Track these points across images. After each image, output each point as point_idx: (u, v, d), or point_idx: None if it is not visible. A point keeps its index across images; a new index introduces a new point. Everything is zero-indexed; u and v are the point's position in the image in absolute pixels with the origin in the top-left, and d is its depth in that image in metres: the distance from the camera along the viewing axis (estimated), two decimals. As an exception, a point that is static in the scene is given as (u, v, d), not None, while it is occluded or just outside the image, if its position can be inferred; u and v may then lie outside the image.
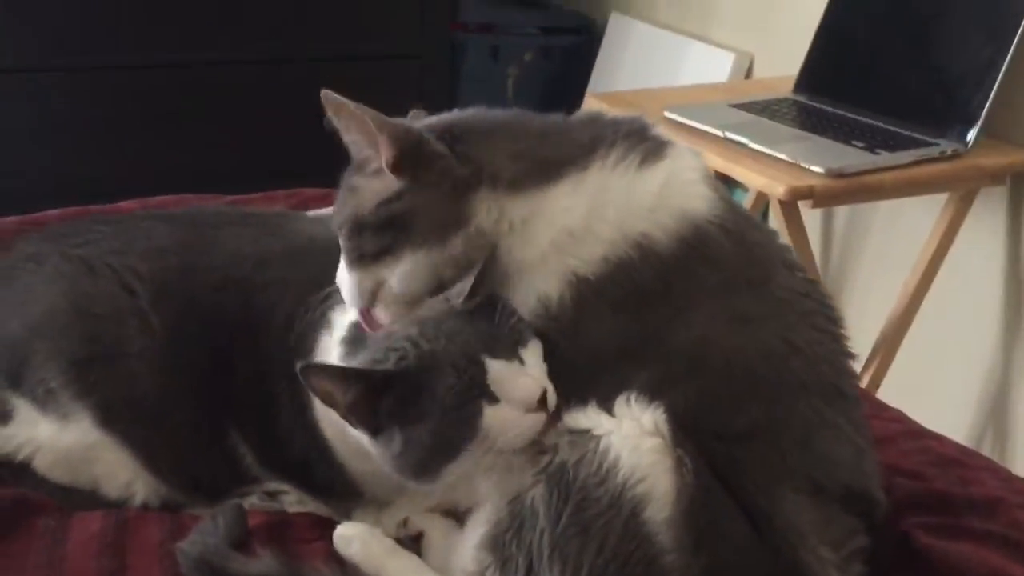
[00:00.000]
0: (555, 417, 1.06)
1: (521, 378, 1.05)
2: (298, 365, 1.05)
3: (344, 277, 1.16)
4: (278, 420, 1.23)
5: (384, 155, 1.12)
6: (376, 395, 1.06)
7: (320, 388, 1.06)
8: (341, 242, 1.16)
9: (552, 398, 1.05)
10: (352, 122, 1.13)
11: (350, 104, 1.11)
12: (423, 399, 1.05)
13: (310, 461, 1.23)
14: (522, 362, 1.06)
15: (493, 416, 1.04)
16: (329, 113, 1.13)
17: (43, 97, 2.74)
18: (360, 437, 1.09)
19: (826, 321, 1.16)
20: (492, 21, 3.34)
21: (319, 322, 1.21)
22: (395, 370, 1.05)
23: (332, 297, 1.21)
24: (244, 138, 2.88)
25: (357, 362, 1.11)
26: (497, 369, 1.04)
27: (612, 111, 1.25)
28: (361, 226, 1.14)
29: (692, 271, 1.11)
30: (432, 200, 1.12)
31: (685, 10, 3.01)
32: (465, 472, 1.08)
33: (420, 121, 1.19)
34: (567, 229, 1.11)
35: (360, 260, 1.14)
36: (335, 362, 1.14)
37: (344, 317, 1.19)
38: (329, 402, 1.07)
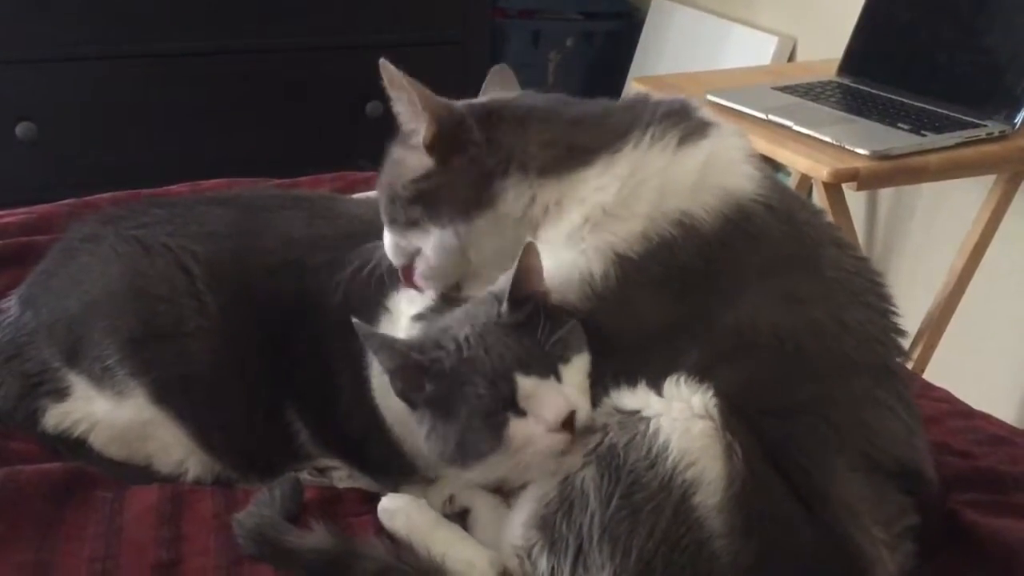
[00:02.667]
0: (580, 440, 1.05)
1: (550, 396, 1.05)
2: (355, 322, 1.08)
3: (385, 234, 1.21)
4: (337, 399, 1.24)
5: (423, 133, 1.15)
6: (415, 376, 1.08)
7: (374, 348, 1.10)
8: (381, 204, 1.21)
9: (582, 419, 1.05)
10: (403, 94, 1.16)
11: (403, 77, 1.14)
12: (455, 401, 1.06)
13: (367, 439, 1.24)
14: (559, 379, 1.06)
15: (517, 429, 1.04)
16: (384, 81, 1.15)
17: (95, 84, 2.77)
18: (403, 406, 1.12)
19: (877, 299, 1.16)
20: (533, 7, 3.34)
21: (376, 309, 1.22)
22: (429, 364, 1.07)
23: (387, 280, 1.23)
24: (292, 123, 2.90)
25: (411, 332, 1.13)
26: (527, 386, 1.05)
27: (656, 95, 1.24)
28: (394, 197, 1.19)
29: (737, 250, 1.11)
30: (459, 183, 1.15)
31: (728, -6, 3.00)
32: (491, 474, 1.11)
33: (490, 94, 1.23)
34: (600, 206, 1.12)
35: (393, 225, 1.20)
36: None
37: (400, 303, 1.21)
38: (381, 363, 1.10)
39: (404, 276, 1.20)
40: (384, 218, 1.21)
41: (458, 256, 1.17)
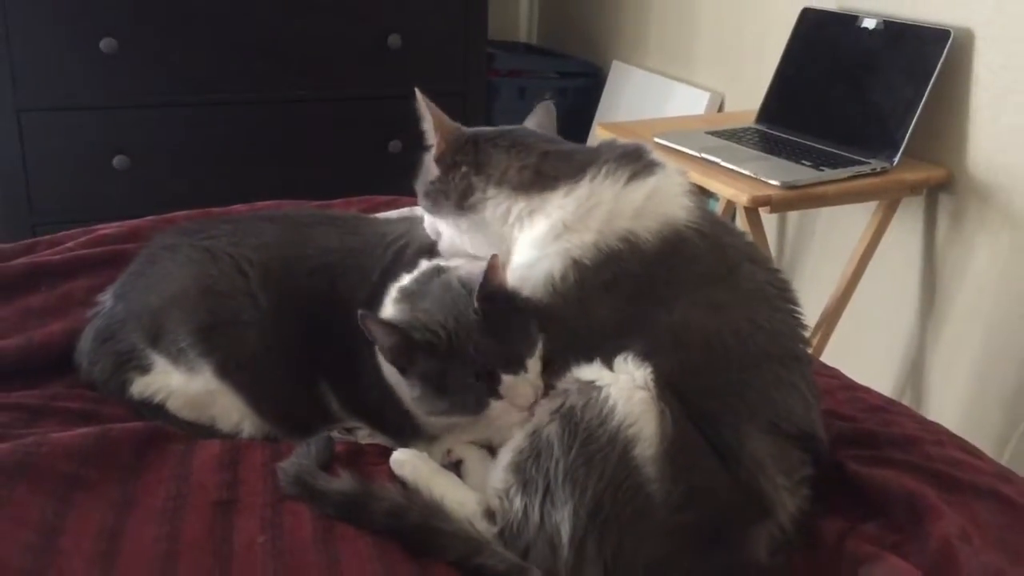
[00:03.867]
0: (534, 406, 1.10)
1: (524, 388, 1.09)
2: (359, 312, 1.09)
3: (424, 216, 1.29)
4: (360, 376, 1.24)
5: (436, 149, 1.23)
6: (407, 350, 1.10)
7: (370, 330, 1.11)
8: (421, 200, 1.28)
9: (539, 397, 1.10)
10: (431, 116, 1.23)
11: (432, 105, 1.23)
12: (446, 380, 1.10)
13: (383, 408, 1.24)
14: (527, 371, 1.10)
15: (496, 408, 1.10)
16: (418, 104, 1.23)
17: (176, 126, 2.77)
18: (393, 371, 1.14)
19: (784, 301, 1.17)
20: (520, 68, 3.35)
21: (386, 296, 1.22)
22: (423, 345, 1.09)
23: (394, 275, 1.23)
24: (329, 157, 2.89)
25: (398, 313, 1.14)
26: (507, 381, 1.09)
27: (619, 139, 1.28)
28: (420, 190, 1.27)
29: (673, 266, 1.11)
30: (452, 190, 1.22)
31: (671, 58, 3.00)
32: (466, 429, 1.17)
33: (526, 122, 1.31)
34: (561, 220, 1.14)
35: (424, 211, 1.28)
36: (388, 307, 1.18)
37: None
38: (374, 340, 1.12)
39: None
40: (420, 199, 1.28)
41: (456, 242, 1.24)
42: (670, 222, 1.12)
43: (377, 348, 1.14)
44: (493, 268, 1.10)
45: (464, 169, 1.21)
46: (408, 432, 1.24)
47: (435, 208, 1.24)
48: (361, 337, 1.15)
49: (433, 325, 1.10)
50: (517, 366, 1.09)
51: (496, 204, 1.19)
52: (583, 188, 1.15)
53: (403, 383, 1.14)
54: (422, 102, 1.23)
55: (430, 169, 1.25)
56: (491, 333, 1.09)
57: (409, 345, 1.10)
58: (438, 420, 1.17)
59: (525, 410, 1.10)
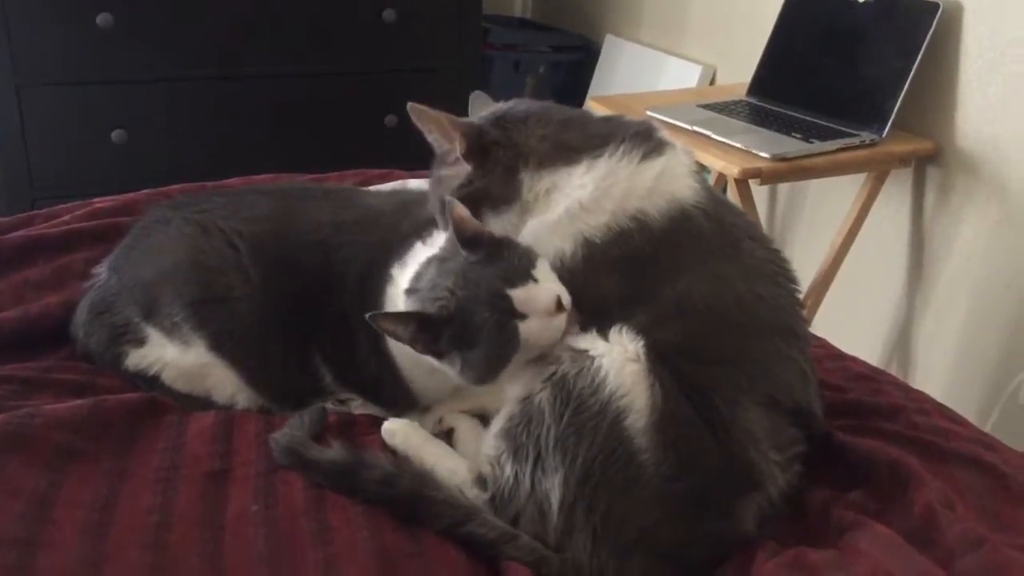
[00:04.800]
0: (575, 313, 1.06)
1: (538, 293, 1.05)
2: (368, 316, 1.06)
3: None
4: (355, 350, 1.22)
5: (458, 147, 1.14)
6: (430, 330, 1.07)
7: (386, 328, 1.08)
8: (439, 219, 1.18)
9: (566, 299, 1.05)
10: (432, 124, 1.15)
11: (430, 111, 1.13)
12: (470, 332, 1.05)
13: (379, 380, 1.22)
14: (536, 280, 1.05)
15: (527, 329, 1.05)
16: (414, 118, 1.14)
17: (172, 100, 2.74)
18: (430, 360, 1.10)
19: (784, 279, 1.16)
20: (514, 42, 3.31)
21: (385, 277, 1.20)
22: (438, 314, 1.06)
23: (393, 255, 1.20)
24: (325, 131, 2.86)
25: (411, 305, 1.11)
26: (518, 295, 1.04)
27: (609, 112, 1.23)
28: (444, 206, 1.14)
29: (678, 243, 1.10)
30: (495, 178, 1.14)
31: (663, 32, 2.96)
32: (516, 370, 1.09)
33: (477, 114, 1.20)
34: (579, 201, 1.11)
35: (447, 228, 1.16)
36: (400, 306, 1.13)
37: (403, 273, 1.18)
38: (396, 338, 1.09)
39: None
40: (442, 227, 1.17)
41: (506, 231, 1.15)
42: (677, 201, 1.11)
43: (404, 344, 1.10)
44: (459, 216, 1.07)
45: (495, 151, 1.14)
46: (403, 402, 1.23)
47: (479, 210, 1.13)
48: (357, 314, 1.13)
49: (438, 291, 1.08)
50: (521, 279, 1.05)
51: (528, 184, 1.13)
52: (602, 166, 1.12)
53: (438, 366, 1.10)
54: (420, 111, 1.13)
55: (451, 177, 1.16)
56: (486, 266, 1.06)
57: (428, 324, 1.07)
58: (494, 381, 1.10)
59: (555, 314, 1.04)
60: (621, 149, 1.12)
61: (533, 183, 1.13)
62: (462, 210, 1.09)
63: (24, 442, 1.05)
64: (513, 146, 1.14)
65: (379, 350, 1.20)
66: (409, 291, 1.13)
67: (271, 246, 1.28)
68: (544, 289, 1.05)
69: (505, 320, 1.04)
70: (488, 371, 1.07)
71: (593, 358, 1.03)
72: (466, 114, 1.24)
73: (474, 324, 1.05)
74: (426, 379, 1.19)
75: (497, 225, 1.14)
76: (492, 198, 1.14)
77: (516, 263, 1.06)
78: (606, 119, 1.20)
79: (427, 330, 1.07)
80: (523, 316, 1.04)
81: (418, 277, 1.13)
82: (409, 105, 1.13)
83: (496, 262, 1.06)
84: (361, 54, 2.85)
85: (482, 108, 1.25)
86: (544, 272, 1.07)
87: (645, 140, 1.15)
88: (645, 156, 1.13)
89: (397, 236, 1.23)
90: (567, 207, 1.11)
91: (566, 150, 1.13)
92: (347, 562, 0.95)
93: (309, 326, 1.26)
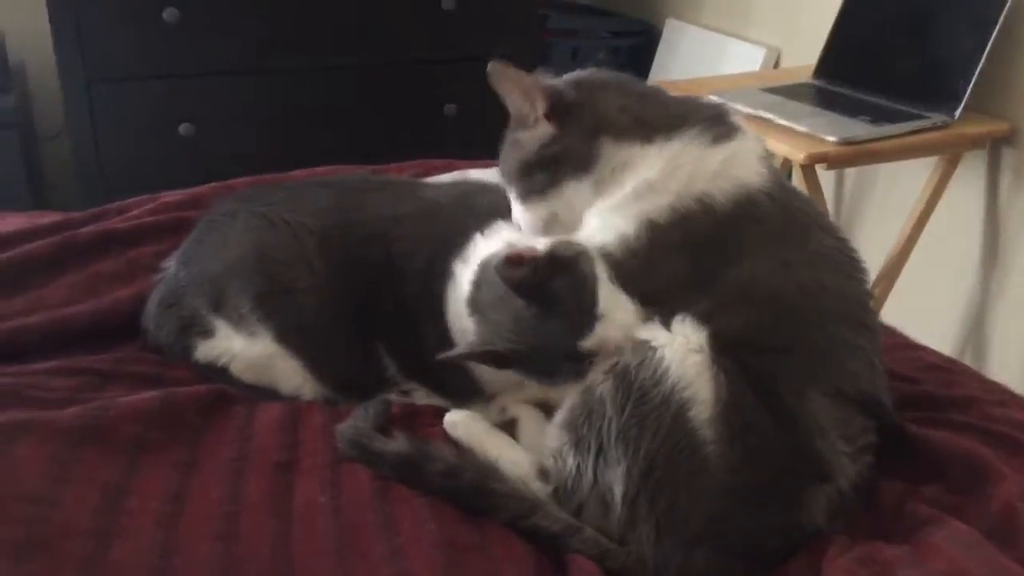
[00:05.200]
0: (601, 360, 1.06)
1: (608, 335, 1.05)
2: (439, 357, 1.10)
3: (520, 213, 1.17)
4: (422, 341, 1.22)
5: (540, 108, 1.12)
6: (502, 360, 1.10)
7: (463, 362, 1.13)
8: (513, 186, 1.16)
9: (631, 324, 1.05)
10: (512, 84, 1.13)
11: (511, 70, 1.11)
12: (547, 370, 1.09)
13: (445, 370, 1.22)
14: (601, 316, 1.05)
15: (599, 360, 1.05)
16: (492, 79, 1.12)
17: (238, 94, 2.78)
18: None
19: (852, 269, 1.14)
20: (573, 27, 3.28)
21: (446, 274, 1.20)
22: (508, 354, 1.08)
23: (455, 251, 1.21)
24: (386, 122, 2.87)
25: (477, 325, 1.13)
26: (589, 345, 1.05)
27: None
28: (529, 167, 1.14)
29: (743, 227, 1.08)
30: (576, 140, 1.12)
31: (725, 14, 2.91)
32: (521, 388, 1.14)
33: (558, 79, 1.18)
34: (648, 181, 1.09)
35: (530, 196, 1.15)
36: (463, 312, 1.16)
37: (465, 270, 1.18)
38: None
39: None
40: (519, 198, 1.16)
41: (586, 205, 1.13)
42: (744, 186, 1.09)
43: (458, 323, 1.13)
44: (507, 264, 1.05)
45: (577, 112, 1.11)
46: (468, 392, 1.23)
47: (561, 173, 1.12)
48: (423, 305, 1.14)
49: (505, 335, 1.08)
50: (587, 325, 1.04)
51: (606, 156, 1.11)
52: (675, 146, 1.10)
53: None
54: (501, 71, 1.10)
55: (535, 137, 1.13)
56: (549, 315, 1.05)
57: (499, 357, 1.09)
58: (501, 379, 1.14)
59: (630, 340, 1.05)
60: (695, 131, 1.11)
61: (611, 154, 1.12)
62: (502, 253, 1.08)
63: (98, 434, 1.07)
64: (594, 109, 1.13)
65: (446, 341, 1.20)
66: (472, 304, 1.14)
67: (334, 239, 1.29)
68: (612, 328, 1.04)
69: (578, 365, 1.05)
70: (562, 389, 1.09)
71: (655, 349, 1.02)
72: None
73: (547, 366, 1.07)
74: (492, 370, 1.19)
75: (575, 197, 1.12)
76: (573, 160, 1.12)
77: (577, 305, 1.04)
78: (682, 100, 1.18)
79: (497, 360, 1.09)
80: (595, 353, 1.05)
81: (477, 286, 1.13)
82: (490, 64, 1.11)
83: (556, 310, 1.05)
84: (420, 43, 2.85)
85: None
86: (607, 294, 1.06)
87: (717, 124, 1.13)
88: (715, 140, 1.11)
89: (457, 229, 1.23)
90: (635, 187, 1.10)
91: (643, 126, 1.12)
92: (413, 554, 0.95)
93: (372, 318, 1.26)
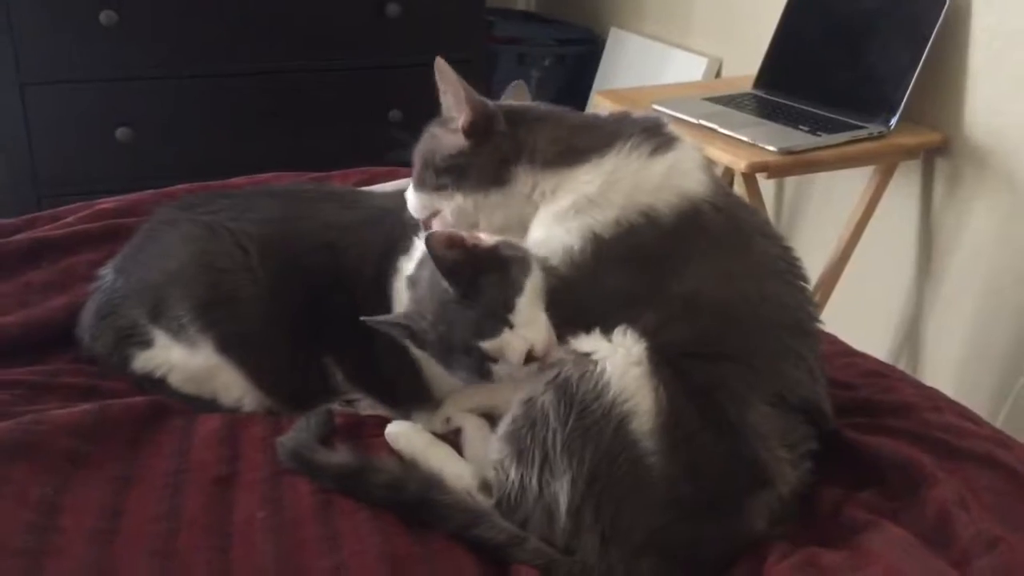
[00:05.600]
0: (549, 357, 1.05)
1: (510, 345, 1.04)
2: (362, 319, 1.10)
3: (410, 194, 1.20)
4: (371, 348, 1.21)
5: (462, 120, 1.14)
6: (418, 339, 1.09)
7: (382, 329, 1.11)
8: (415, 169, 1.19)
9: (540, 347, 1.05)
10: (450, 87, 1.15)
11: (454, 75, 1.14)
12: (449, 361, 1.08)
13: (398, 376, 1.22)
14: (511, 326, 1.04)
15: (500, 369, 1.06)
16: (436, 74, 1.14)
17: (177, 98, 2.73)
18: None
19: (793, 277, 1.15)
20: (519, 35, 3.28)
21: (393, 271, 1.20)
22: (420, 334, 1.08)
23: (399, 249, 1.21)
24: (329, 128, 2.84)
25: (409, 300, 1.13)
26: (490, 346, 1.04)
27: (614, 106, 1.23)
28: (429, 164, 1.17)
29: (688, 238, 1.09)
30: (484, 164, 1.14)
31: (668, 24, 2.94)
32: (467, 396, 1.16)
33: (499, 101, 1.20)
34: (585, 195, 1.10)
35: (423, 187, 1.18)
36: (404, 298, 1.16)
37: (409, 263, 1.18)
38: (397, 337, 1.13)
39: (424, 226, 1.19)
40: (414, 181, 1.19)
41: (470, 219, 1.16)
42: (687, 196, 1.10)
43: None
44: (435, 243, 1.04)
45: (497, 140, 1.14)
46: (418, 398, 1.23)
47: (455, 183, 1.15)
48: (373, 311, 1.13)
49: (424, 314, 1.08)
50: (494, 328, 1.04)
51: (526, 179, 1.14)
52: (609, 162, 1.12)
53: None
54: (445, 70, 1.14)
55: (445, 141, 1.17)
56: (466, 305, 1.05)
57: (414, 334, 1.09)
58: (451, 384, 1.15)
59: (530, 358, 1.04)
60: (629, 144, 1.12)
61: (536, 181, 1.13)
62: (445, 231, 1.07)
63: (30, 449, 1.04)
64: (516, 143, 1.14)
65: (397, 347, 1.19)
66: (408, 285, 1.14)
67: (280, 248, 1.27)
68: (517, 340, 1.04)
69: (479, 361, 1.06)
70: (471, 384, 1.12)
71: (596, 362, 1.02)
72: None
73: (452, 356, 1.07)
74: (442, 372, 1.17)
75: (466, 206, 1.15)
76: (474, 179, 1.15)
77: (494, 305, 1.04)
78: (616, 118, 1.19)
79: (412, 337, 1.10)
80: (495, 360, 1.05)
81: (421, 264, 1.13)
82: (437, 60, 1.14)
83: (475, 303, 1.05)
84: (365, 49, 2.83)
85: (515, 98, 1.26)
86: (524, 312, 1.05)
87: (654, 135, 1.14)
88: (654, 151, 1.12)
89: (405, 235, 1.23)
90: (574, 201, 1.10)
91: (574, 152, 1.13)
92: (356, 568, 0.94)
93: (319, 327, 1.25)
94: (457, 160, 1.15)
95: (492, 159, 1.14)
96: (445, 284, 1.05)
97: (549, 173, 1.13)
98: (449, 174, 1.15)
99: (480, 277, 1.05)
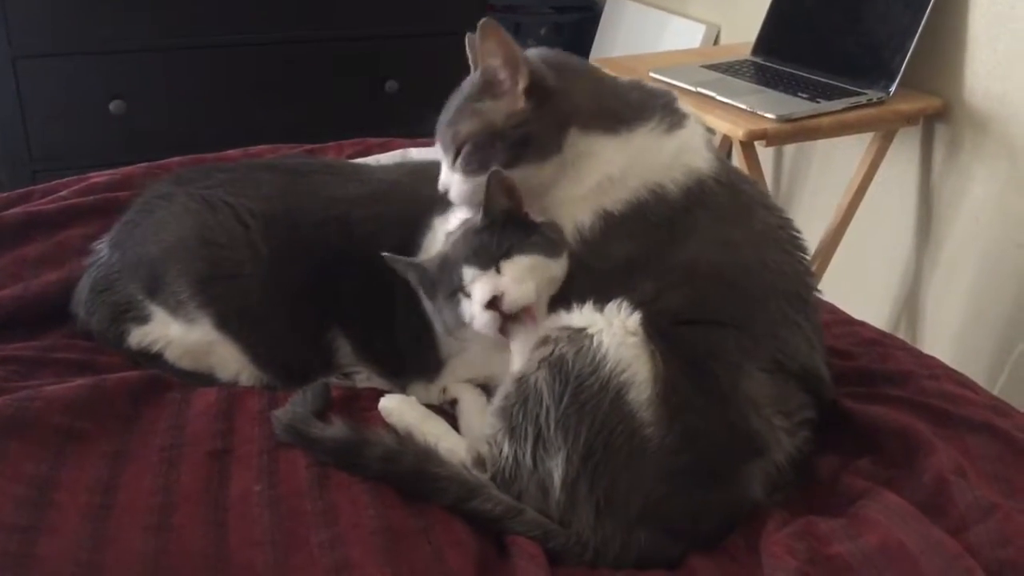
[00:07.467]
0: (514, 319, 1.05)
1: (482, 282, 1.05)
2: (383, 254, 1.14)
3: (457, 181, 1.12)
4: (381, 320, 1.21)
5: (521, 83, 1.09)
6: (427, 281, 1.13)
7: (396, 269, 1.15)
8: (459, 154, 1.11)
9: (508, 302, 1.04)
10: (500, 48, 1.08)
11: (504, 33, 1.08)
12: (437, 288, 1.11)
13: (415, 343, 1.21)
14: (498, 271, 1.06)
15: (464, 307, 1.08)
16: (480, 37, 1.08)
17: (171, 70, 2.70)
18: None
19: (793, 247, 1.16)
20: (516, 3, 3.26)
21: (427, 229, 1.22)
22: (426, 267, 1.12)
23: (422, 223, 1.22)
24: (325, 99, 2.82)
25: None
26: (468, 275, 1.07)
27: (645, 83, 1.21)
28: (494, 138, 1.09)
29: (692, 212, 1.10)
30: (547, 126, 1.09)
31: (666, -9, 2.91)
32: (475, 340, 1.13)
33: (535, 54, 1.15)
34: (609, 176, 1.10)
35: (477, 168, 1.10)
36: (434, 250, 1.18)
37: (444, 222, 1.19)
38: (407, 278, 1.17)
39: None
40: (465, 167, 1.10)
41: (533, 187, 1.10)
42: (694, 173, 1.11)
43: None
44: (494, 183, 1.05)
45: (556, 98, 1.09)
46: (424, 367, 1.22)
47: (512, 159, 1.07)
48: (390, 282, 1.15)
49: (437, 260, 1.11)
50: (483, 262, 1.05)
51: (574, 141, 1.09)
52: (636, 141, 1.11)
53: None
54: (496, 29, 1.05)
55: (496, 111, 1.09)
56: (474, 236, 1.08)
57: (425, 275, 1.12)
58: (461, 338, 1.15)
59: (487, 310, 1.04)
60: (651, 125, 1.12)
61: (575, 143, 1.10)
62: (501, 182, 1.06)
63: (24, 425, 1.04)
64: (569, 97, 1.11)
65: (417, 312, 1.19)
66: (448, 237, 1.15)
67: (281, 223, 1.26)
68: (492, 280, 1.05)
69: (453, 290, 1.08)
70: (444, 327, 1.13)
71: (591, 336, 1.02)
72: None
73: (443, 296, 1.09)
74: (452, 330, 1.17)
75: (530, 179, 1.09)
76: (538, 145, 1.09)
77: (495, 245, 1.06)
78: (635, 86, 1.18)
79: (424, 282, 1.13)
80: (468, 295, 1.07)
81: (461, 225, 1.15)
82: (484, 21, 1.07)
83: (483, 235, 1.07)
84: (361, 19, 2.80)
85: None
86: (515, 268, 1.05)
87: (669, 113, 1.14)
88: (669, 129, 1.12)
89: (420, 206, 1.22)
90: (598, 182, 1.10)
91: (608, 116, 1.11)
92: (352, 541, 0.94)
93: (326, 300, 1.24)
94: (521, 128, 1.08)
95: (552, 121, 1.09)
96: (479, 216, 1.08)
97: (589, 137, 1.10)
98: (520, 144, 1.08)
99: (509, 224, 1.07)
